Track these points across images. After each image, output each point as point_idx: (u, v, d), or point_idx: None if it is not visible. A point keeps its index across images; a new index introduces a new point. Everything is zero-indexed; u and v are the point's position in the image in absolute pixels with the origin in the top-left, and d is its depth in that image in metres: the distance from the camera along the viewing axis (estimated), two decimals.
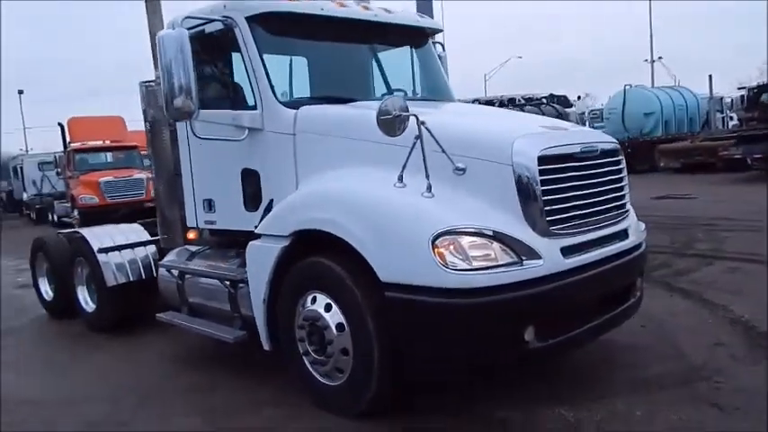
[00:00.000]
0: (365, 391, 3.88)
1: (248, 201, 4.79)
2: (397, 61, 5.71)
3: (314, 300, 4.10)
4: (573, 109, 30.80)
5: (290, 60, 5.14)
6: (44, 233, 8.41)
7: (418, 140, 3.68)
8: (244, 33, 4.58)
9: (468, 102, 30.75)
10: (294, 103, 4.57)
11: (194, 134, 4.60)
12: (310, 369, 4.20)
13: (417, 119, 3.70)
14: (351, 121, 4.33)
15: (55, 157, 22.02)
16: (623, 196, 4.44)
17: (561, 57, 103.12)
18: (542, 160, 3.77)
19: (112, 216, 12.35)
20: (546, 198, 3.76)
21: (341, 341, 3.95)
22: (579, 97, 32.47)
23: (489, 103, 30.71)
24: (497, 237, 3.61)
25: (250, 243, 4.49)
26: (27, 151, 42.83)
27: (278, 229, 4.31)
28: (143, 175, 18.43)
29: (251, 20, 4.58)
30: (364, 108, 4.36)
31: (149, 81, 5.73)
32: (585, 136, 4.28)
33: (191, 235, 5.64)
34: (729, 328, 5.41)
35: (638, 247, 4.52)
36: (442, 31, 5.81)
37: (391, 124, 3.66)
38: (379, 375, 3.80)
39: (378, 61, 5.45)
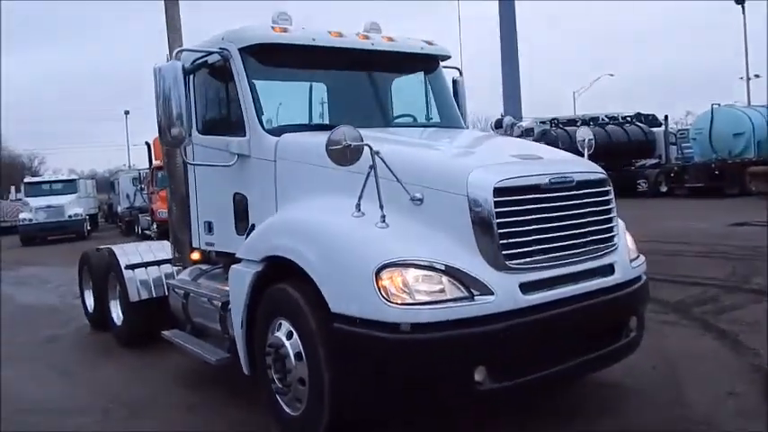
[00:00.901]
0: (318, 424, 3.83)
1: (238, 224, 4.90)
2: (408, 87, 5.71)
3: (279, 326, 4.11)
4: (660, 129, 29.37)
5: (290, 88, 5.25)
6: (90, 248, 8.93)
7: (372, 170, 3.64)
8: (236, 63, 4.72)
9: (546, 121, 30.41)
10: (278, 131, 4.64)
11: (185, 161, 4.75)
12: (276, 397, 4.20)
13: (371, 149, 3.65)
14: (321, 148, 4.34)
15: (139, 173, 23.54)
16: (609, 229, 4.16)
17: (654, 73, 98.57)
18: (499, 192, 3.60)
19: None
20: (502, 231, 3.59)
21: (299, 370, 3.92)
22: (666, 117, 30.79)
23: (571, 122, 29.98)
24: (447, 270, 3.48)
25: (231, 267, 4.58)
26: (129, 167, 45.99)
27: (252, 254, 4.36)
28: None
29: (243, 51, 4.71)
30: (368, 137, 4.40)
31: None
32: (561, 166, 4.04)
33: (194, 256, 5.82)
34: (750, 376, 4.92)
35: (629, 283, 4.22)
36: (448, 57, 5.70)
37: (341, 154, 3.63)
38: (330, 408, 3.72)
39: (381, 88, 5.45)
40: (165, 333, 5.80)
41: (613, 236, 4.19)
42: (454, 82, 6.05)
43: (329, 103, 5.22)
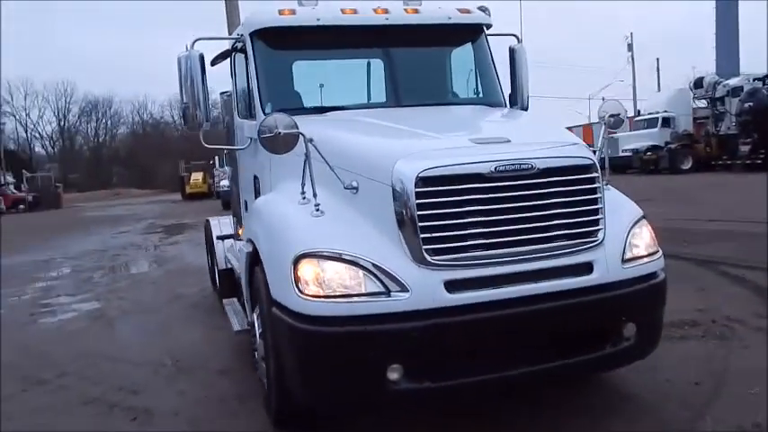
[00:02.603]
0: (270, 405, 3.98)
1: None
2: (445, 60, 5.45)
3: (255, 306, 4.30)
4: None
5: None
6: None
7: (306, 159, 3.62)
8: (248, 48, 4.89)
9: (762, 78, 26.06)
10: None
11: (203, 142, 5.04)
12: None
13: (304, 137, 3.62)
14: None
15: None
16: (588, 222, 3.63)
17: None
18: (424, 181, 3.34)
19: None
20: (424, 224, 3.34)
21: (260, 351, 4.10)
22: None
23: None
24: (364, 264, 3.36)
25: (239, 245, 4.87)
26: None
27: (245, 234, 4.60)
28: None
29: (253, 35, 4.85)
30: (319, 121, 4.37)
31: (226, 91, 6.43)
32: (528, 150, 3.57)
33: (241, 232, 6.23)
34: None
35: (618, 285, 3.67)
36: (487, 25, 5.28)
37: (273, 142, 3.64)
38: (275, 392, 3.85)
39: (407, 64, 5.25)
40: (225, 301, 6.33)
41: (595, 230, 3.65)
42: (511, 51, 5.59)
43: (346, 83, 5.18)
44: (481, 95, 5.27)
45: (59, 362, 6.19)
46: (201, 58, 4.78)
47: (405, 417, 4.08)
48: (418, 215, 3.33)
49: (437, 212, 3.36)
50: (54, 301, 9.62)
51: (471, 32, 5.29)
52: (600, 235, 3.66)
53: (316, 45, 5.01)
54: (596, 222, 3.66)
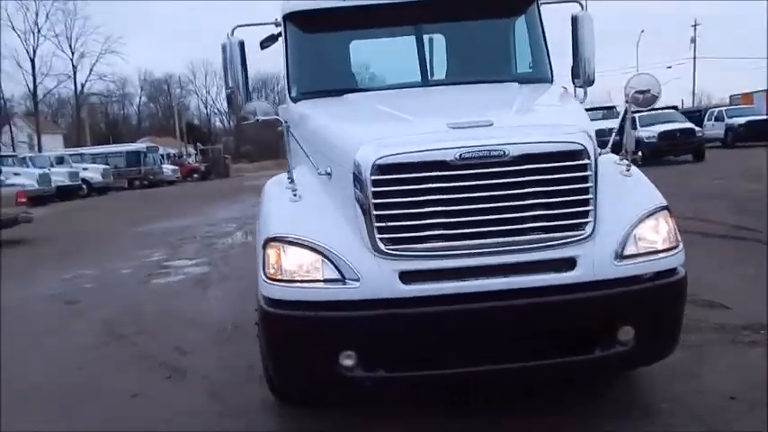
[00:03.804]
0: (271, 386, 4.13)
1: None
2: (494, 33, 5.15)
3: None
4: None
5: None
6: None
7: (288, 143, 3.67)
8: (283, 32, 5.00)
9: None
10: (300, 97, 4.79)
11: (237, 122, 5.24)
12: None
13: (282, 123, 3.66)
14: (300, 118, 4.37)
15: None
16: (574, 214, 3.29)
17: None
18: (381, 169, 3.21)
19: None
20: (379, 213, 3.23)
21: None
22: None
23: None
24: (322, 251, 3.35)
25: None
26: None
27: None
28: None
29: (286, 18, 4.93)
30: (323, 104, 4.37)
31: None
32: (508, 134, 3.28)
33: None
34: None
35: (609, 283, 3.31)
36: None
37: (254, 128, 3.71)
38: (266, 373, 4.01)
39: (449, 40, 5.06)
40: None
41: (582, 223, 3.30)
42: (573, 19, 5.13)
43: (377, 63, 5.10)
44: (522, 71, 4.92)
45: (144, 320, 6.91)
46: (241, 44, 4.92)
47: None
48: (373, 203, 3.24)
49: (394, 201, 3.23)
50: (172, 264, 10.66)
51: (515, 2, 4.94)
52: (587, 228, 3.31)
53: (345, 26, 4.95)
54: (583, 214, 3.30)
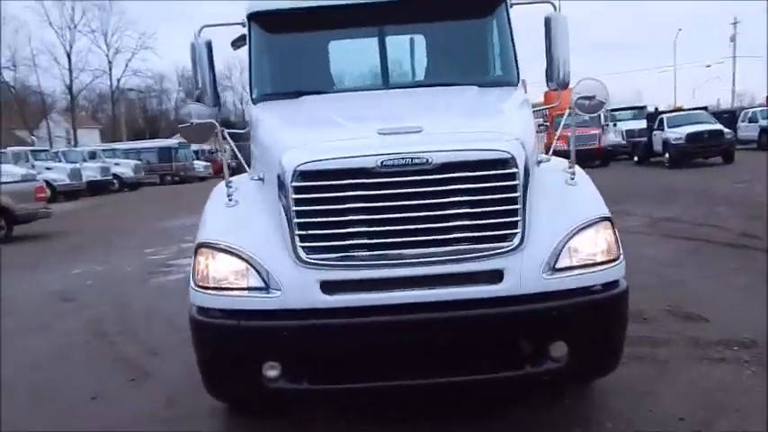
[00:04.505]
0: None
1: None
2: (461, 35, 5.04)
3: None
4: None
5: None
6: None
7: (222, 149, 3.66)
8: (247, 32, 4.96)
9: None
10: (261, 99, 4.75)
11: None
12: None
13: (217, 127, 3.64)
14: (255, 120, 4.35)
15: None
16: (501, 225, 3.19)
17: None
18: (302, 176, 3.17)
19: None
20: (300, 221, 3.18)
21: None
22: None
23: None
24: (247, 258, 3.32)
25: None
26: None
27: None
28: None
29: (250, 18, 4.88)
30: (274, 107, 4.34)
31: None
32: (434, 142, 3.19)
33: None
34: None
35: (538, 297, 3.20)
36: None
37: (188, 131, 3.69)
38: None
39: (412, 42, 4.99)
40: None
41: (509, 234, 3.20)
42: (546, 21, 4.99)
43: (340, 64, 5.03)
44: (487, 74, 4.81)
45: (129, 320, 7.00)
46: (208, 45, 4.92)
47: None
48: (294, 210, 3.19)
49: (315, 209, 3.18)
50: (177, 263, 10.75)
51: (482, 3, 4.81)
52: (515, 239, 3.20)
53: (307, 27, 4.89)
54: (510, 225, 3.20)
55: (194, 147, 49.61)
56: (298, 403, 3.46)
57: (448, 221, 3.17)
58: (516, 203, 3.20)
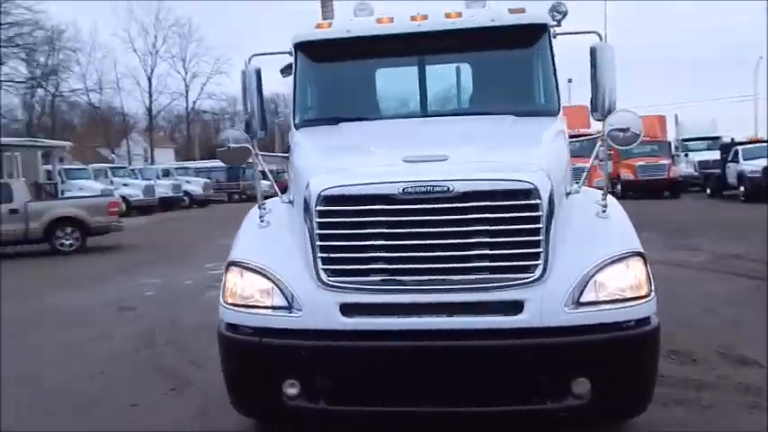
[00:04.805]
0: None
1: None
2: (503, 65, 5.07)
3: None
4: None
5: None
6: None
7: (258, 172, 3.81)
8: (293, 60, 5.15)
9: None
10: (302, 125, 4.90)
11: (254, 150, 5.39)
12: None
13: (253, 151, 3.79)
14: (294, 145, 4.48)
15: None
16: (523, 255, 3.16)
17: None
18: (327, 200, 3.26)
19: None
20: (323, 244, 3.27)
21: None
22: None
23: None
24: (272, 278, 3.42)
25: None
26: None
27: None
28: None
29: (296, 48, 5.08)
30: (313, 132, 4.47)
31: None
32: (461, 170, 3.21)
33: None
34: None
35: (556, 331, 3.15)
36: (541, 26, 4.75)
37: (225, 155, 3.85)
38: None
39: (452, 71, 5.05)
40: None
41: (531, 265, 3.17)
42: (592, 51, 4.96)
43: (381, 92, 5.12)
44: (528, 103, 4.79)
45: (178, 331, 7.26)
46: (257, 72, 5.14)
47: None
48: (317, 234, 3.28)
49: (338, 233, 3.26)
50: None
51: (523, 34, 4.83)
52: (536, 271, 3.17)
53: (351, 56, 5.02)
54: (532, 256, 3.17)
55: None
56: (315, 422, 3.49)
57: (468, 250, 3.17)
58: (538, 234, 3.17)
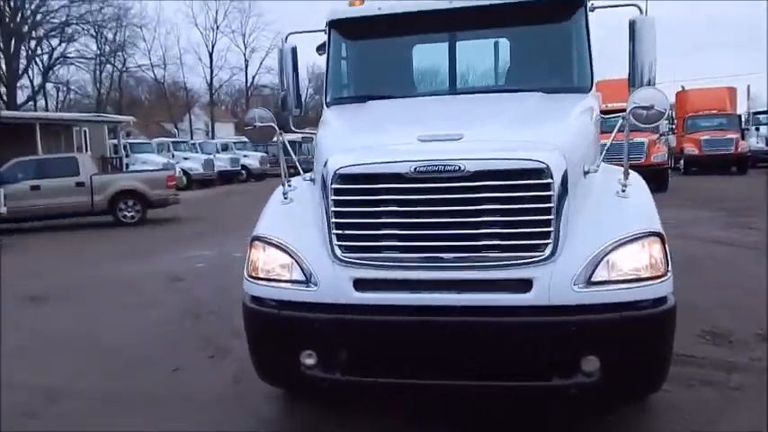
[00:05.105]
0: None
1: None
2: (539, 40, 5.01)
3: None
4: None
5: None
6: None
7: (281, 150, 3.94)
8: (326, 38, 5.23)
9: None
10: (333, 103, 4.99)
11: (292, 127, 5.52)
12: None
13: (277, 131, 3.91)
14: (323, 122, 4.57)
15: None
16: (532, 234, 3.19)
17: None
18: (342, 179, 3.36)
19: None
20: (338, 221, 3.37)
21: None
22: None
23: None
24: (292, 253, 3.57)
25: None
26: None
27: None
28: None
29: (330, 25, 5.15)
30: (340, 111, 4.55)
31: None
32: (460, 151, 3.26)
33: None
34: None
35: (565, 310, 3.17)
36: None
37: (252, 133, 3.99)
38: None
39: (486, 47, 5.02)
40: None
41: (541, 243, 3.19)
42: (631, 24, 4.84)
43: (411, 70, 5.14)
44: (557, 79, 4.72)
45: (222, 302, 7.56)
46: (293, 50, 5.27)
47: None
48: (333, 211, 3.39)
49: (351, 210, 3.36)
50: None
51: (559, 8, 4.74)
52: (546, 250, 3.19)
53: (381, 33, 5.04)
54: (542, 235, 3.19)
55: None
56: (331, 392, 3.65)
57: (478, 228, 3.22)
58: (549, 214, 3.18)
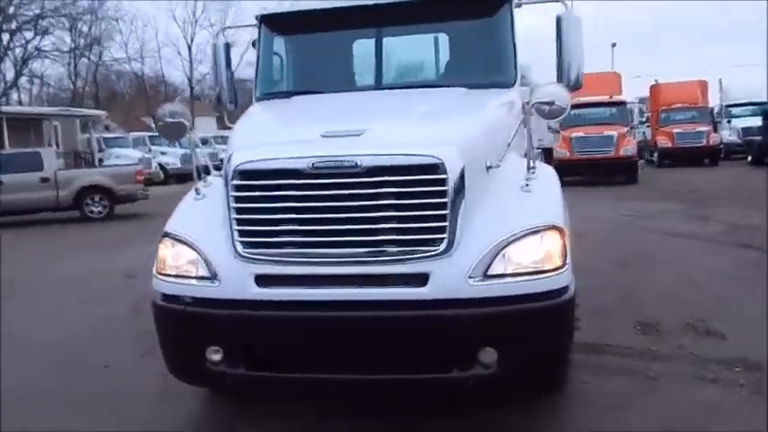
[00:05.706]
0: None
1: None
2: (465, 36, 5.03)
3: None
4: None
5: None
6: None
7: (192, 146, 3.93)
8: (257, 33, 5.21)
9: None
10: (262, 98, 4.98)
11: (227, 122, 5.54)
12: None
13: (186, 127, 3.90)
14: (246, 116, 4.56)
15: None
16: (428, 229, 3.20)
17: None
18: (242, 175, 3.35)
19: None
20: (238, 217, 3.37)
21: None
22: None
23: None
24: (198, 249, 3.56)
25: None
26: None
27: None
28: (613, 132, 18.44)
29: (260, 20, 5.13)
30: (268, 106, 4.55)
31: None
32: (369, 146, 3.24)
33: None
34: None
35: (460, 303, 3.19)
36: None
37: (164, 130, 3.97)
38: None
39: (410, 43, 5.05)
40: None
41: (436, 238, 3.21)
42: (557, 20, 4.86)
43: (337, 66, 5.12)
44: (480, 75, 4.73)
45: None
46: (227, 46, 5.28)
47: None
48: (233, 207, 3.39)
49: (251, 206, 3.36)
50: None
51: (483, 3, 4.76)
52: (441, 245, 3.20)
53: (310, 29, 5.05)
54: (437, 230, 3.20)
55: None
56: (236, 387, 3.65)
57: (375, 224, 3.23)
58: (444, 209, 3.19)
